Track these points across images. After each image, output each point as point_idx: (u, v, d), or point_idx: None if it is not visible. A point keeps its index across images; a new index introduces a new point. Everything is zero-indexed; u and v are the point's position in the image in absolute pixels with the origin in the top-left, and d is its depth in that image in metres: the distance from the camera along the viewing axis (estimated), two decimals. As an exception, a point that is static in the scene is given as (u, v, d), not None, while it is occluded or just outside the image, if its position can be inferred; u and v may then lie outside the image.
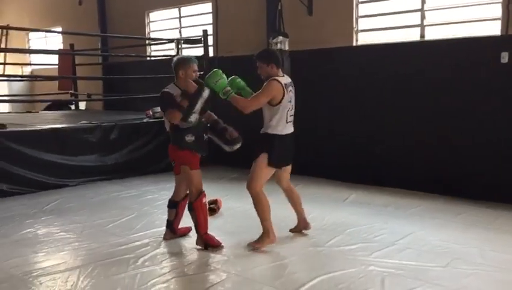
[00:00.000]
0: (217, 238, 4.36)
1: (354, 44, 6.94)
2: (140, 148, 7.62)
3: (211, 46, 8.56)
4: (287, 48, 6.91)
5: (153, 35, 10.04)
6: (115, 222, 5.13)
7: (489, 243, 4.28)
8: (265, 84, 4.14)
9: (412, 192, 6.05)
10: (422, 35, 6.40)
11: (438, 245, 4.23)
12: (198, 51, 8.62)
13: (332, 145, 7.01)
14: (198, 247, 4.33)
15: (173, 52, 8.79)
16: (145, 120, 7.96)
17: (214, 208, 5.38)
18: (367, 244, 4.27)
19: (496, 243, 4.29)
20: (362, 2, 6.91)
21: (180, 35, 9.34)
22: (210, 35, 8.54)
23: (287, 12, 7.23)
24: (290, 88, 4.19)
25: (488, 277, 3.60)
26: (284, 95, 4.08)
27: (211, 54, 8.57)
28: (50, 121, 8.01)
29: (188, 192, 4.43)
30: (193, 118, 4.02)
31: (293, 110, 4.23)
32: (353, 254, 4.10)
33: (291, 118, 4.22)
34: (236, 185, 6.85)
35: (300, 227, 4.60)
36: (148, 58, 10.02)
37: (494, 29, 5.82)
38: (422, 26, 6.39)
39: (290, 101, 4.17)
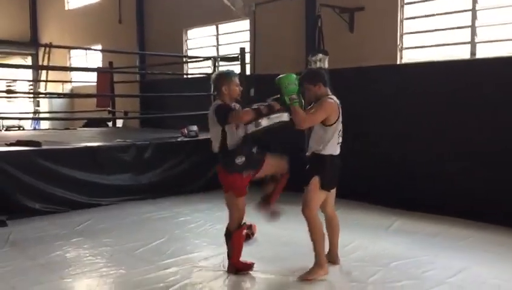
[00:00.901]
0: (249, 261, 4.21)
1: (398, 62, 6.60)
2: (173, 168, 7.44)
3: (248, 64, 8.37)
4: (326, 66, 6.63)
5: (190, 52, 9.97)
6: (145, 246, 4.91)
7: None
8: (319, 101, 3.91)
9: (462, 221, 5.60)
10: (473, 53, 6.01)
11: (497, 285, 3.81)
12: (236, 69, 8.43)
13: (376, 168, 6.61)
14: (230, 274, 4.08)
15: (210, 70, 8.64)
16: (179, 139, 7.80)
17: (248, 233, 5.09)
18: (414, 282, 3.88)
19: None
20: (407, 18, 6.58)
21: (217, 52, 9.23)
22: (248, 52, 8.36)
23: (327, 29, 6.96)
24: (340, 109, 4.00)
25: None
26: (338, 116, 3.94)
27: (248, 72, 8.37)
28: (86, 138, 7.95)
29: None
30: (257, 126, 3.83)
31: (341, 131, 4.04)
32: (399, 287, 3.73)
33: (340, 139, 4.02)
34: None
35: (329, 259, 4.19)
36: (184, 76, 9.93)
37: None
38: (473, 43, 6.00)
39: (341, 122, 4.00)
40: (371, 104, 6.66)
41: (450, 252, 4.60)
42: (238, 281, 4.04)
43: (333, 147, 3.95)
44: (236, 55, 8.29)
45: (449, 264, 4.26)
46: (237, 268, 4.12)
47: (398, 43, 6.61)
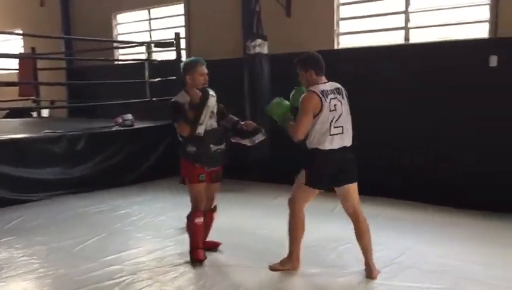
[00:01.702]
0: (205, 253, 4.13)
1: (336, 47, 6.66)
2: (108, 159, 7.12)
3: (183, 49, 8.13)
4: (266, 51, 6.56)
5: (121, 38, 9.53)
6: (84, 242, 4.65)
7: (490, 258, 4.05)
8: (300, 100, 3.63)
9: (401, 201, 5.78)
10: (406, 38, 6.17)
11: (439, 262, 3.95)
12: (171, 55, 8.19)
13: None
14: (180, 270, 3.94)
15: (143, 56, 8.32)
16: (114, 128, 7.47)
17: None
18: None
19: (497, 259, 4.04)
20: (343, 4, 6.64)
21: (150, 38, 8.88)
22: (182, 38, 8.12)
23: (265, 14, 6.87)
24: (334, 95, 3.60)
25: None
26: (322, 105, 3.53)
27: (183, 57, 8.13)
28: (10, 130, 7.41)
29: (212, 203, 4.28)
30: (200, 129, 3.85)
31: (341, 121, 3.61)
32: (352, 274, 3.76)
33: (338, 130, 3.60)
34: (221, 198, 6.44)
35: (365, 271, 3.76)
36: (116, 63, 9.50)
37: (482, 32, 5.63)
38: (406, 29, 6.16)
39: (334, 110, 3.58)
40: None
41: (392, 233, 4.72)
42: (190, 274, 3.90)
43: (324, 139, 3.58)
44: (171, 41, 8.01)
45: (394, 245, 4.38)
46: (191, 256, 4.08)
47: (335, 28, 6.66)
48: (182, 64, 4.10)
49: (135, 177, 7.24)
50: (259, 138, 4.17)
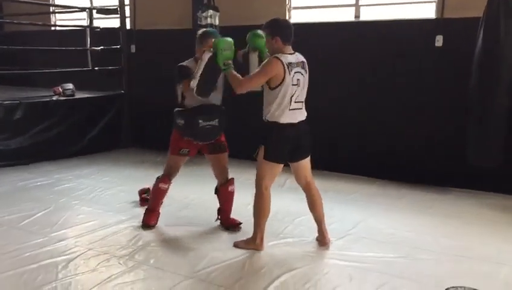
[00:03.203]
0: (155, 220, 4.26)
1: (287, 21, 6.63)
2: (49, 130, 6.76)
3: (128, 17, 7.80)
4: (217, 22, 6.43)
5: (58, 2, 8.96)
6: (29, 217, 4.42)
7: (437, 229, 4.26)
8: (264, 61, 3.56)
9: (349, 176, 5.95)
10: (357, 16, 6.26)
11: (392, 233, 4.12)
12: (114, 23, 7.83)
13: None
14: (139, 244, 3.85)
15: (84, 23, 7.89)
16: (54, 98, 7.08)
17: (146, 197, 4.83)
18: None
19: (444, 229, 4.27)
20: (295, -22, 6.62)
21: (91, 3, 8.42)
22: (127, 5, 7.78)
23: (214, -16, 6.71)
24: (298, 69, 3.52)
25: (452, 265, 3.53)
26: (284, 77, 3.43)
27: (128, 26, 7.82)
28: None
29: (227, 177, 4.25)
30: (193, 84, 3.78)
31: (302, 96, 3.58)
32: (310, 246, 3.84)
33: (298, 105, 3.56)
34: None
35: (318, 239, 3.89)
36: (53, 28, 8.95)
37: (429, 12, 5.81)
38: (357, 6, 6.24)
39: (297, 84, 3.50)
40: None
41: (345, 206, 4.86)
42: (148, 247, 3.82)
43: (282, 113, 3.50)
44: (114, 7, 7.65)
45: (347, 217, 4.51)
46: (144, 221, 4.22)
47: (287, 2, 6.63)
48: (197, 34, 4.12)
49: (78, 149, 6.95)
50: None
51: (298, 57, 3.60)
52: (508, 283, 3.26)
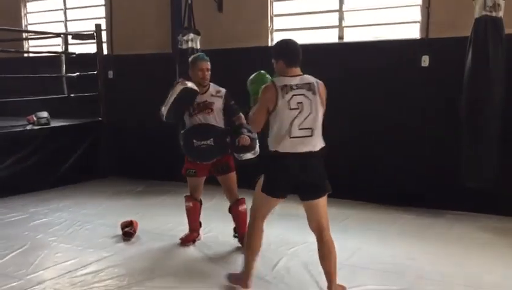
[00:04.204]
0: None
1: (270, 44, 6.52)
2: (22, 161, 6.43)
3: (105, 42, 7.57)
4: (198, 46, 6.26)
5: (31, 28, 8.68)
6: (3, 257, 4.10)
7: (437, 255, 4.10)
8: None
9: (331, 199, 5.67)
10: (340, 37, 6.17)
11: (391, 262, 3.93)
12: (91, 48, 7.59)
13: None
14: (124, 283, 3.56)
15: (59, 49, 7.63)
16: (28, 127, 6.77)
17: (130, 231, 4.58)
18: (318, 266, 3.79)
19: (444, 255, 4.11)
20: (277, 0, 6.51)
21: (66, 29, 8.17)
22: (104, 30, 7.56)
23: (196, 7, 6.56)
24: (300, 91, 3.12)
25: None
26: (277, 100, 3.10)
27: (105, 51, 7.59)
28: None
29: (236, 197, 4.30)
30: (163, 110, 4.06)
31: (309, 122, 3.12)
32: (310, 277, 3.61)
33: (303, 132, 3.11)
34: (145, 201, 6.06)
35: None
36: (27, 55, 8.64)
37: (413, 32, 5.76)
38: (340, 27, 6.16)
39: (297, 108, 3.10)
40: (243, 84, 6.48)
41: (338, 233, 4.57)
42: (135, 287, 3.53)
43: (283, 141, 3.11)
44: (91, 33, 7.42)
45: (342, 245, 4.22)
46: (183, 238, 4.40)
47: (269, 24, 6.52)
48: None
49: (53, 181, 6.63)
50: (247, 156, 4.04)
51: (304, 78, 3.19)
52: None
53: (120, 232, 4.65)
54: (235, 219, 4.29)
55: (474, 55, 4.71)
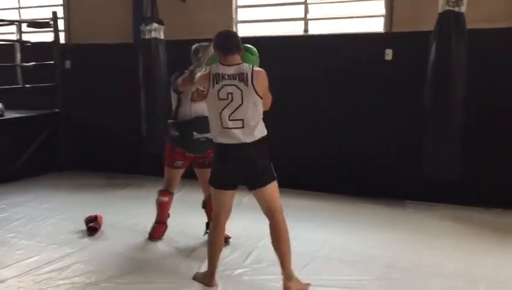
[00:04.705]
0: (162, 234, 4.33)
1: (235, 35, 6.45)
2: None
3: (62, 31, 7.29)
4: (162, 36, 6.12)
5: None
6: (-41, 256, 3.90)
7: (404, 245, 4.19)
8: None
9: (297, 191, 5.69)
10: (306, 30, 6.18)
11: (360, 253, 3.98)
12: (47, 37, 7.30)
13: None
14: (91, 279, 3.45)
15: (14, 37, 7.28)
16: (-16, 118, 6.46)
17: (94, 226, 4.44)
18: (289, 259, 3.82)
19: (410, 244, 4.21)
20: (242, -9, 6.46)
21: (20, 16, 7.81)
22: (61, 18, 7.28)
23: (157, -3, 6.40)
24: (231, 81, 3.10)
25: (429, 284, 3.43)
26: (208, 88, 3.14)
27: (62, 40, 7.31)
28: None
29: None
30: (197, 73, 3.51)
31: (241, 113, 3.10)
32: (279, 272, 3.60)
33: (234, 123, 3.10)
34: (108, 194, 5.91)
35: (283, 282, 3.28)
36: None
37: (378, 26, 5.84)
38: (305, 20, 6.17)
39: (227, 99, 3.10)
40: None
41: (306, 224, 4.67)
42: (104, 283, 3.43)
43: (217, 131, 3.17)
44: (47, 21, 7.13)
45: (310, 237, 4.32)
46: (150, 232, 4.31)
47: (234, 16, 6.45)
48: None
49: (9, 174, 6.34)
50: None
51: (239, 69, 3.14)
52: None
53: (84, 227, 4.50)
54: (209, 212, 4.16)
55: (438, 49, 4.81)
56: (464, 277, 3.52)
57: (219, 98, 3.12)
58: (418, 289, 3.36)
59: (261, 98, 3.17)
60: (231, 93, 3.10)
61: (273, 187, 3.27)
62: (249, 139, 3.14)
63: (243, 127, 3.12)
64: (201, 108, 3.86)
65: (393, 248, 4.10)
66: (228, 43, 3.24)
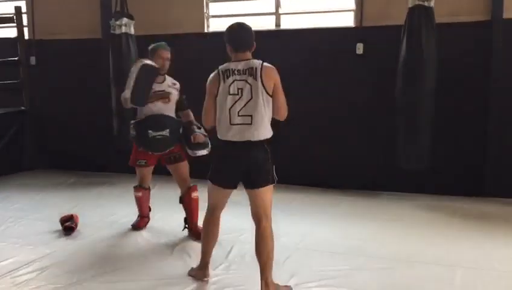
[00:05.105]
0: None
1: (206, 30, 6.42)
2: None
3: (26, 26, 7.08)
4: (132, 31, 6.02)
5: None
6: None
7: (383, 234, 4.30)
8: None
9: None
10: (277, 24, 6.21)
11: (341, 243, 4.05)
12: (11, 32, 7.07)
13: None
14: (73, 279, 3.38)
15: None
16: None
17: (71, 225, 4.35)
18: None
19: (388, 234, 4.32)
20: (213, -14, 6.43)
21: (-20, 11, 7.53)
22: (24, 13, 7.06)
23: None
24: (241, 77, 3.02)
25: (410, 271, 3.52)
26: (219, 85, 3.05)
27: (26, 35, 7.09)
28: None
29: (188, 185, 4.24)
30: (126, 94, 3.93)
31: (249, 109, 3.00)
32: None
33: (243, 119, 3.00)
34: (80, 192, 5.79)
35: None
36: None
37: (348, 21, 5.92)
38: (277, 15, 6.20)
39: (237, 94, 3.01)
40: (177, 72, 6.34)
41: (286, 217, 4.66)
42: (85, 283, 3.36)
43: (223, 128, 3.06)
44: (10, 16, 6.90)
45: (291, 229, 4.36)
46: (135, 223, 4.42)
47: (205, 10, 6.41)
48: None
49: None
50: (202, 153, 4.05)
51: (249, 63, 3.06)
52: (466, 285, 3.31)
53: (59, 227, 4.40)
54: (187, 207, 4.23)
55: (409, 43, 4.94)
56: (443, 264, 3.62)
57: (230, 94, 3.03)
58: (400, 277, 3.43)
59: (271, 96, 3.06)
60: (241, 88, 3.02)
61: (268, 190, 3.14)
62: (255, 138, 3.04)
63: (250, 124, 3.02)
64: (157, 107, 4.02)
65: (373, 238, 4.19)
66: (240, 39, 3.14)
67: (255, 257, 3.14)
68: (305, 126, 5.98)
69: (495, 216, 4.79)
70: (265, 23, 6.28)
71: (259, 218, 3.12)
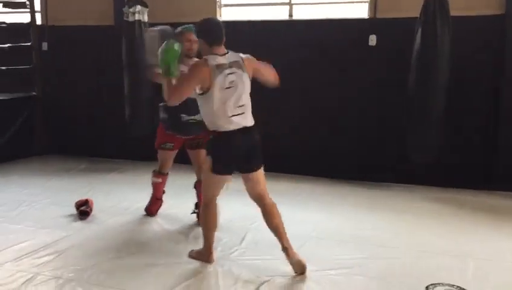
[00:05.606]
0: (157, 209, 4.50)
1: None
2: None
3: (38, 12, 7.10)
4: (146, 19, 6.02)
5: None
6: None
7: (393, 225, 4.34)
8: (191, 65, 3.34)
9: (282, 175, 5.73)
10: (290, 14, 6.22)
11: (352, 233, 4.10)
12: (24, 18, 7.08)
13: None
14: (92, 262, 3.43)
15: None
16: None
17: (86, 210, 4.40)
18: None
19: (399, 224, 4.36)
20: (226, -26, 6.43)
21: (-7, -4, 7.54)
22: (37, -2, 7.08)
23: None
24: (231, 70, 3.20)
25: (420, 262, 3.56)
26: (212, 80, 3.14)
27: (38, 21, 7.11)
28: None
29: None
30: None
31: (242, 99, 3.24)
32: (279, 249, 3.67)
33: (239, 109, 3.22)
34: (92, 177, 5.85)
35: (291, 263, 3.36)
36: None
37: (362, 12, 5.93)
38: (290, 5, 6.20)
39: (231, 87, 3.19)
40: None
41: (296, 208, 4.71)
42: (107, 264, 3.42)
43: (223, 121, 3.20)
44: (23, 1, 6.91)
45: (303, 219, 4.40)
46: (148, 205, 4.49)
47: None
48: None
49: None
50: None
51: (232, 56, 3.26)
52: (478, 276, 3.35)
53: (74, 211, 4.46)
54: (199, 194, 4.25)
55: (423, 35, 4.94)
56: (453, 255, 3.68)
57: (226, 88, 3.18)
58: (411, 267, 3.48)
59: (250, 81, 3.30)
60: (233, 81, 3.21)
61: (262, 171, 3.43)
62: (250, 123, 3.31)
63: (244, 113, 3.27)
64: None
65: (384, 228, 4.23)
66: (220, 32, 3.26)
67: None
68: (315, 117, 6.02)
69: (504, 209, 4.83)
70: (278, 13, 6.29)
71: (262, 195, 3.41)
